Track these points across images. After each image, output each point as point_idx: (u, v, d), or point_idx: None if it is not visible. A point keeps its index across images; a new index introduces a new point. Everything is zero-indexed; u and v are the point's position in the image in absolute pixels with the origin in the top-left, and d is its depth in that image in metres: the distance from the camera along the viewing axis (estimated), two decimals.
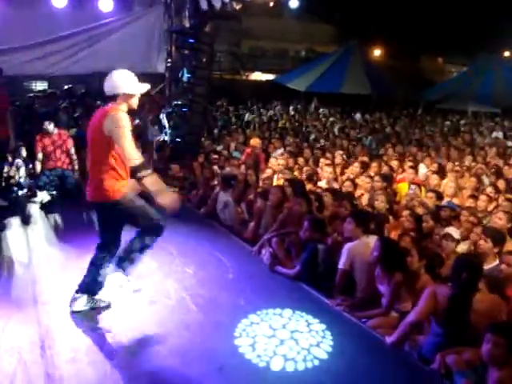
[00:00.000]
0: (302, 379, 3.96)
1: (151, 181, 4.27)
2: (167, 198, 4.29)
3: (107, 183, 4.44)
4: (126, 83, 4.49)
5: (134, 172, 4.32)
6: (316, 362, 4.15)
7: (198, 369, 3.99)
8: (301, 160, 9.71)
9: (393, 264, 4.88)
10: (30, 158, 9.01)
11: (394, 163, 9.24)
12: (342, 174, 8.88)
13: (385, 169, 8.86)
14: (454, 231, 5.77)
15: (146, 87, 4.70)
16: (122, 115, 4.39)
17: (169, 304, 5.02)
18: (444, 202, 7.27)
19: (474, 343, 3.86)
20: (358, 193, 7.76)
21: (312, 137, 14.55)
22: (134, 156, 4.26)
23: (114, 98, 4.49)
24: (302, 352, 4.28)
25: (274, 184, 7.94)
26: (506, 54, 32.09)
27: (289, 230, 6.26)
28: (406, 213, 6.22)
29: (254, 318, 4.79)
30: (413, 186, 7.72)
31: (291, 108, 22.79)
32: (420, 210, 6.68)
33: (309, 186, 7.89)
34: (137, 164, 4.25)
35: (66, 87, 14.67)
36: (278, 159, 9.45)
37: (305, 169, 8.83)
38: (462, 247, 5.88)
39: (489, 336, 3.62)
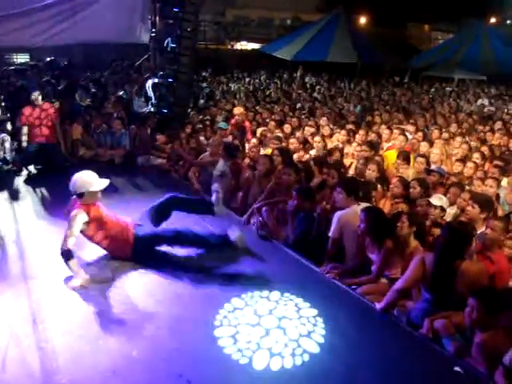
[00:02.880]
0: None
1: None
2: None
3: None
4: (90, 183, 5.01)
5: None
6: (306, 357, 3.87)
7: (189, 338, 4.03)
8: (287, 128, 9.69)
9: (381, 233, 4.91)
10: (15, 132, 8.91)
11: (385, 131, 9.20)
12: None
13: (372, 136, 8.85)
14: (439, 197, 5.79)
15: (105, 183, 5.18)
16: (79, 217, 4.88)
17: (159, 275, 5.03)
18: (433, 167, 7.30)
19: (462, 309, 3.92)
20: (346, 161, 7.77)
21: (298, 105, 14.46)
22: None
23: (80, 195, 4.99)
24: (290, 344, 4.02)
25: (262, 153, 7.87)
26: (493, 20, 31.91)
27: (278, 199, 6.26)
28: (395, 180, 6.24)
29: (237, 303, 4.56)
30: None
31: (277, 76, 22.62)
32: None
33: (300, 154, 7.91)
34: None
35: (48, 59, 14.44)
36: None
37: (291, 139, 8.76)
38: (450, 212, 5.93)
39: (469, 300, 3.72)
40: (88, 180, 5.06)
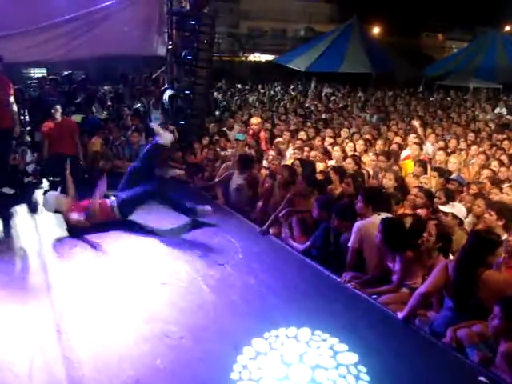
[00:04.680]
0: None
1: None
2: None
3: None
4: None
5: None
6: None
7: (212, 348, 4.04)
8: (303, 135, 9.76)
9: (397, 244, 4.90)
10: (35, 145, 9.03)
11: (398, 140, 9.22)
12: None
13: (393, 146, 8.86)
14: (452, 205, 5.76)
15: None
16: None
17: (181, 286, 5.06)
18: (453, 176, 7.28)
19: (486, 319, 3.89)
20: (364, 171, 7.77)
21: (313, 116, 14.51)
22: None
23: None
24: None
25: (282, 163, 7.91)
26: (507, 28, 31.82)
27: (301, 209, 6.27)
28: (415, 190, 6.21)
29: (260, 346, 4.02)
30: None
31: (291, 88, 22.69)
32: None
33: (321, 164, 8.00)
34: None
35: (65, 73, 14.63)
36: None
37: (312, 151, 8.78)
38: (466, 221, 5.91)
39: (494, 308, 3.69)
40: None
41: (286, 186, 6.70)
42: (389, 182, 6.73)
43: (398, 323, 4.45)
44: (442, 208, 5.69)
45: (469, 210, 6.04)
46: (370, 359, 3.93)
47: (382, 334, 4.31)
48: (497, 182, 7.01)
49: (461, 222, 5.69)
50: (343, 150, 8.27)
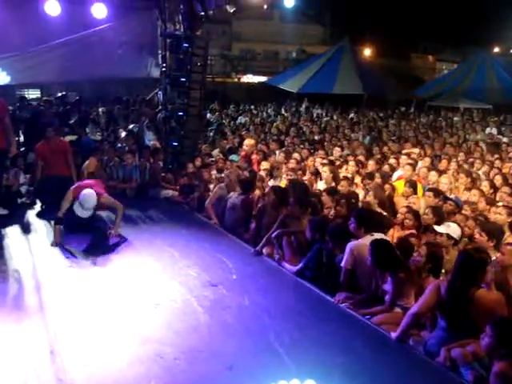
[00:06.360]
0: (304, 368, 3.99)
1: None
2: None
3: None
4: None
5: None
6: None
7: (207, 369, 4.03)
8: (297, 156, 9.82)
9: (387, 266, 4.94)
10: (28, 166, 9.04)
11: (393, 161, 9.30)
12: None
13: (385, 167, 8.94)
14: (447, 225, 5.78)
15: None
16: None
17: (175, 306, 5.06)
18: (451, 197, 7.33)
19: (478, 338, 3.91)
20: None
21: (306, 137, 14.58)
22: None
23: None
24: None
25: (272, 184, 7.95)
26: (496, 49, 32.29)
27: (294, 230, 6.29)
28: (403, 210, 6.25)
29: None
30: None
31: (283, 109, 22.84)
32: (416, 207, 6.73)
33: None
34: None
35: (59, 94, 14.71)
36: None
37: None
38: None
39: (486, 328, 3.71)
40: None
41: (276, 207, 6.72)
42: (369, 198, 6.83)
43: (391, 343, 4.46)
44: (438, 228, 5.71)
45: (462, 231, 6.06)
46: (364, 379, 3.94)
47: (377, 354, 4.32)
48: (490, 202, 7.04)
49: (455, 242, 5.72)
50: (332, 171, 8.29)
